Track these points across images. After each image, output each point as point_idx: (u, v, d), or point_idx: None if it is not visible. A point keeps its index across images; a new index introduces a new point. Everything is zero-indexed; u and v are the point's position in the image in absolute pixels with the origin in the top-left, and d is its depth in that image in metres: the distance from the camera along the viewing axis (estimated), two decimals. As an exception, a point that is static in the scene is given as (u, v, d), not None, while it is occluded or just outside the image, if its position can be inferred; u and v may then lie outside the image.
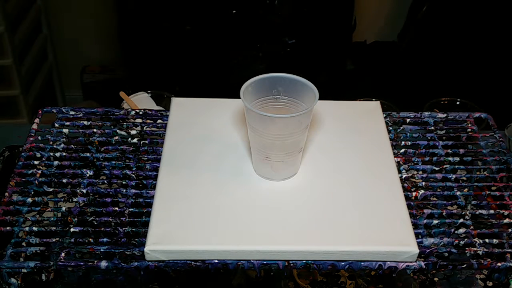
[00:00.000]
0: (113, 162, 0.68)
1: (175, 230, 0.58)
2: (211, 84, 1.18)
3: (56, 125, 0.73)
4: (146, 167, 0.68)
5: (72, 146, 0.70)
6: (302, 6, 1.17)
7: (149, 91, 1.00)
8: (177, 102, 0.74)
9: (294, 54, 1.17)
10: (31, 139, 0.70)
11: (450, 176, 0.68)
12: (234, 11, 1.12)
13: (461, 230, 0.62)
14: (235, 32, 1.15)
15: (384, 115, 0.74)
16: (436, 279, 0.75)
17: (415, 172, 0.69)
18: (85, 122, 0.73)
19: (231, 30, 1.15)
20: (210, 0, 1.13)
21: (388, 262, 0.58)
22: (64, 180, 0.66)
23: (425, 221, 0.63)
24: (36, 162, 0.68)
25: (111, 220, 0.62)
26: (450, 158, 0.70)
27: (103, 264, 0.58)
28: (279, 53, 1.17)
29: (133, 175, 0.67)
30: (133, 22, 1.27)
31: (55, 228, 0.61)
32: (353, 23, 1.26)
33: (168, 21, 1.19)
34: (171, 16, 1.18)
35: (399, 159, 0.70)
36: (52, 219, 0.62)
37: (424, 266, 0.58)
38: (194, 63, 1.20)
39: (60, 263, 0.57)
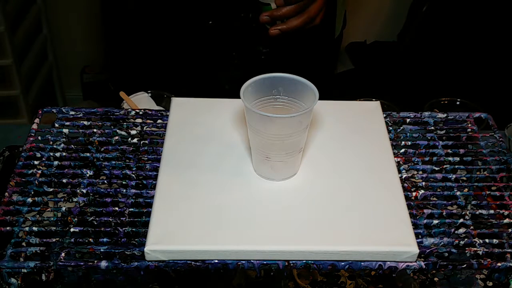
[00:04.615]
0: (113, 162, 0.68)
1: (175, 230, 0.58)
2: (192, 86, 1.22)
3: (56, 125, 0.73)
4: (146, 167, 0.68)
5: (72, 146, 0.70)
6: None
7: (149, 91, 1.00)
8: (177, 102, 0.74)
9: (269, 62, 1.22)
10: (31, 139, 0.70)
11: (450, 176, 0.68)
12: (210, 22, 1.16)
13: (461, 230, 0.62)
14: (212, 41, 1.19)
15: (384, 115, 0.74)
16: (436, 279, 0.75)
17: (415, 172, 0.69)
18: (85, 122, 0.73)
19: (208, 39, 1.19)
20: (188, 12, 1.17)
21: (388, 262, 0.58)
22: (64, 180, 0.66)
23: (425, 221, 0.63)
24: (36, 162, 0.68)
25: (111, 220, 0.62)
26: (450, 158, 0.70)
27: (103, 264, 0.58)
28: (254, 61, 1.22)
29: (133, 175, 0.67)
30: (119, 23, 1.30)
31: (55, 228, 0.61)
32: (343, 22, 1.27)
33: (150, 26, 1.23)
34: (153, 22, 1.22)
35: (399, 159, 0.70)
36: (52, 219, 0.62)
37: (424, 266, 0.58)
38: (176, 67, 1.24)
39: (60, 263, 0.57)
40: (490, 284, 0.74)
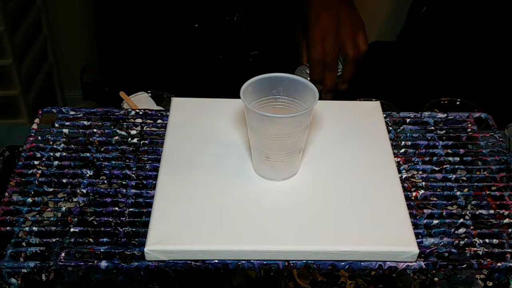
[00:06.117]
0: (113, 162, 0.68)
1: (175, 230, 0.58)
2: (181, 87, 1.23)
3: (56, 125, 0.73)
4: (146, 167, 0.68)
5: (72, 146, 0.70)
6: (261, 22, 1.23)
7: (149, 91, 1.00)
8: (177, 102, 0.74)
9: (257, 64, 1.22)
10: (31, 139, 0.70)
11: (450, 176, 0.68)
12: (196, 25, 1.17)
13: (461, 230, 0.62)
14: (198, 43, 1.20)
15: (384, 115, 0.74)
16: (436, 279, 0.75)
17: (415, 172, 0.69)
18: (85, 122, 0.73)
19: (195, 42, 1.20)
20: (175, 14, 1.18)
21: (388, 262, 0.58)
22: (64, 180, 0.66)
23: (425, 221, 0.63)
24: (36, 162, 0.68)
25: (111, 220, 0.62)
26: (450, 158, 0.70)
27: (103, 264, 0.58)
28: (242, 64, 1.23)
29: (133, 175, 0.67)
30: (110, 25, 1.31)
31: (55, 228, 0.61)
32: None
33: (139, 27, 1.24)
34: (141, 23, 1.23)
35: (399, 159, 0.70)
36: (52, 219, 0.62)
37: (424, 266, 0.58)
38: (166, 68, 1.25)
39: (60, 263, 0.57)
40: (490, 284, 0.74)
